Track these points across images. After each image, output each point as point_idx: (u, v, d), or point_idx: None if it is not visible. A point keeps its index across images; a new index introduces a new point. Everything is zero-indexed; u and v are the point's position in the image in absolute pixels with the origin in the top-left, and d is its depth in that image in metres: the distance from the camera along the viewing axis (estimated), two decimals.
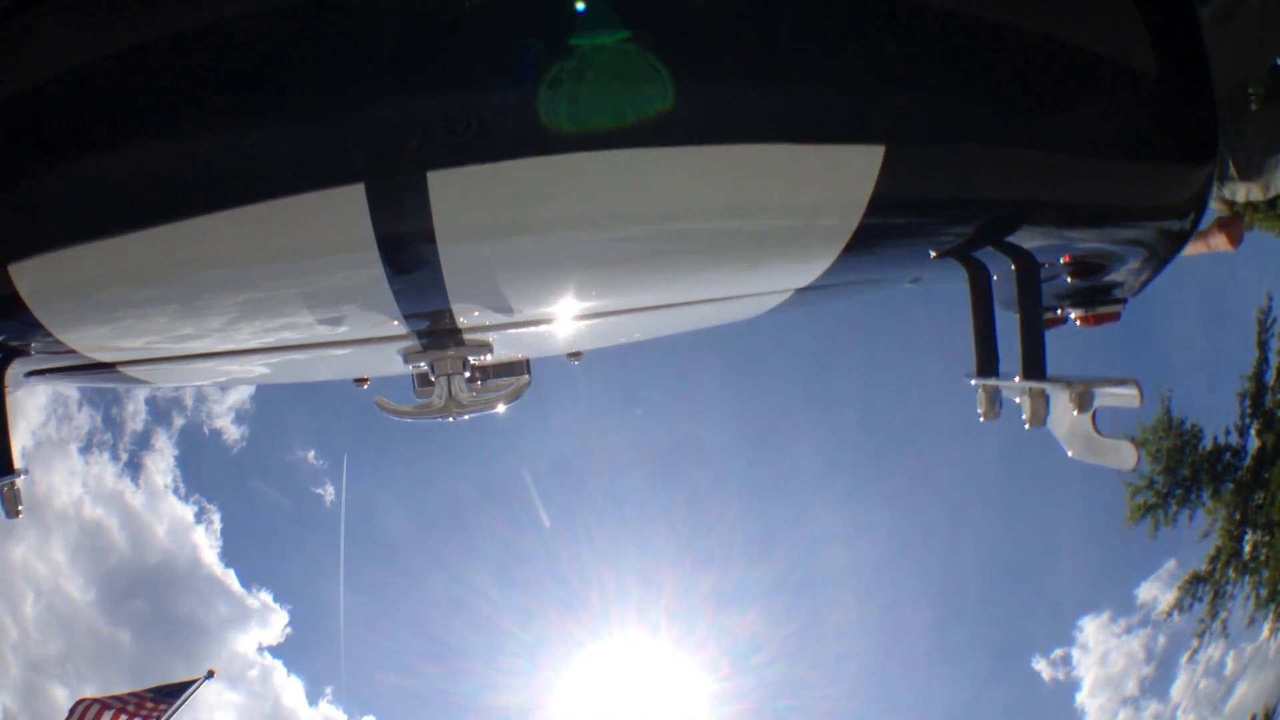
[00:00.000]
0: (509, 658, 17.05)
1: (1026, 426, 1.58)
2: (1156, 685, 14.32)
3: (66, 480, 16.38)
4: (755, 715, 16.96)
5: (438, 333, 1.45)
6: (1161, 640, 13.95)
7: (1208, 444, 11.53)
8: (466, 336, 1.47)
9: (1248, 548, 11.52)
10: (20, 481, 1.62)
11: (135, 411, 16.91)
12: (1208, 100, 1.34)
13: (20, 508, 1.62)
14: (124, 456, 16.82)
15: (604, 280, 1.41)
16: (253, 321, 1.39)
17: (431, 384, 1.54)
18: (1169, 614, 12.68)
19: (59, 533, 16.47)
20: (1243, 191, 2.99)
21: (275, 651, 17.56)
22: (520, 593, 17.55)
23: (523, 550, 18.22)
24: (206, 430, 17.53)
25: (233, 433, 17.68)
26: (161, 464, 17.38)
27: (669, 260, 1.34)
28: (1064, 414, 1.56)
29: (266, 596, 17.63)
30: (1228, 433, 11.53)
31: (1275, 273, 11.05)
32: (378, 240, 1.08)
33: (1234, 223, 3.01)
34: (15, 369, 1.56)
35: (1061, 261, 1.63)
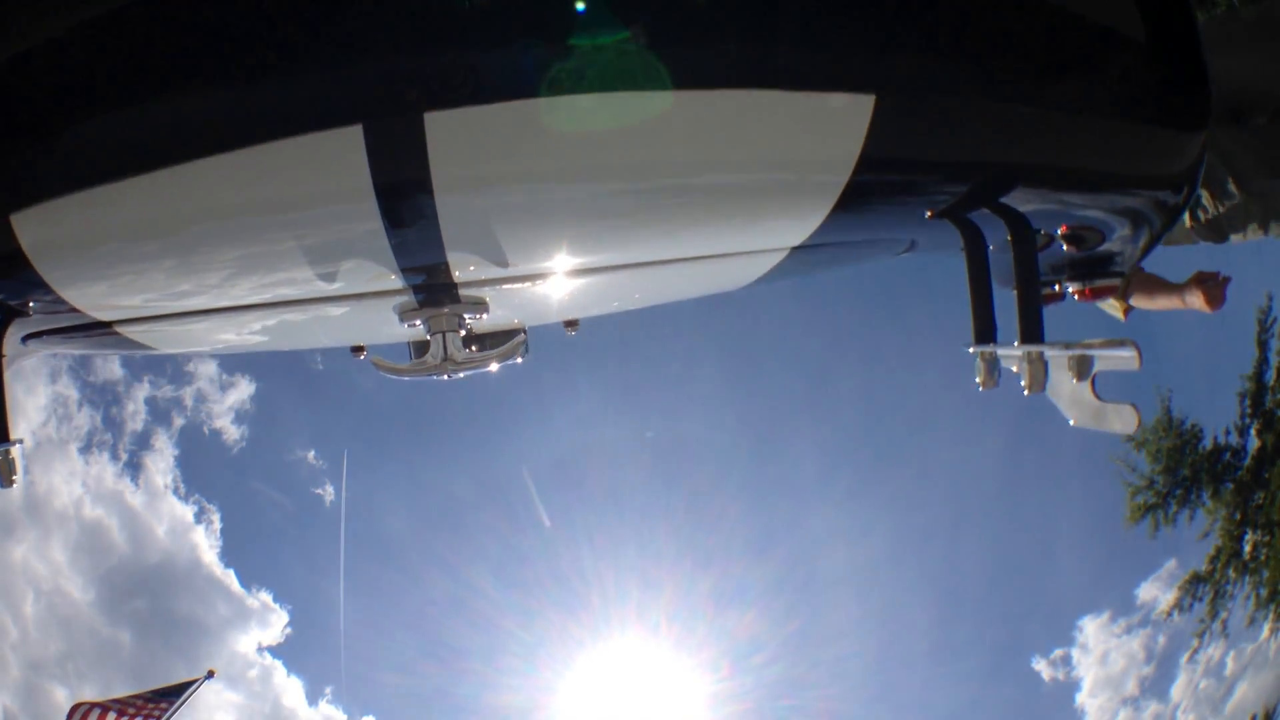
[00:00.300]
0: (509, 658, 17.07)
1: (1025, 393, 1.58)
2: (1156, 685, 14.33)
3: (66, 480, 16.39)
4: (755, 715, 16.99)
5: (434, 287, 1.44)
6: (1161, 640, 13.97)
7: (1208, 444, 11.53)
8: (462, 292, 1.46)
9: (1248, 548, 11.52)
10: (15, 450, 1.61)
11: (135, 411, 16.93)
12: (1199, 66, 1.34)
13: (15, 477, 1.61)
14: (124, 456, 16.83)
15: (597, 230, 1.40)
16: (250, 269, 1.38)
17: (428, 347, 1.54)
18: (1169, 614, 12.69)
19: (59, 533, 16.48)
20: (1248, 230, 2.89)
21: (275, 652, 17.57)
22: (520, 593, 17.56)
23: (523, 550, 18.24)
24: (206, 430, 17.55)
25: (232, 433, 17.70)
26: (161, 464, 17.39)
27: (661, 206, 1.33)
28: (1063, 381, 1.56)
29: (266, 597, 17.65)
30: (1228, 433, 11.55)
31: (1275, 273, 11.07)
32: (374, 184, 1.08)
33: (1214, 281, 2.82)
34: (14, 332, 1.55)
35: (1058, 233, 1.63)
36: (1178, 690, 13.81)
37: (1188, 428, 11.54)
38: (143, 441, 16.99)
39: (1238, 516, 11.48)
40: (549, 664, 16.95)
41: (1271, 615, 11.54)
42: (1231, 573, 11.66)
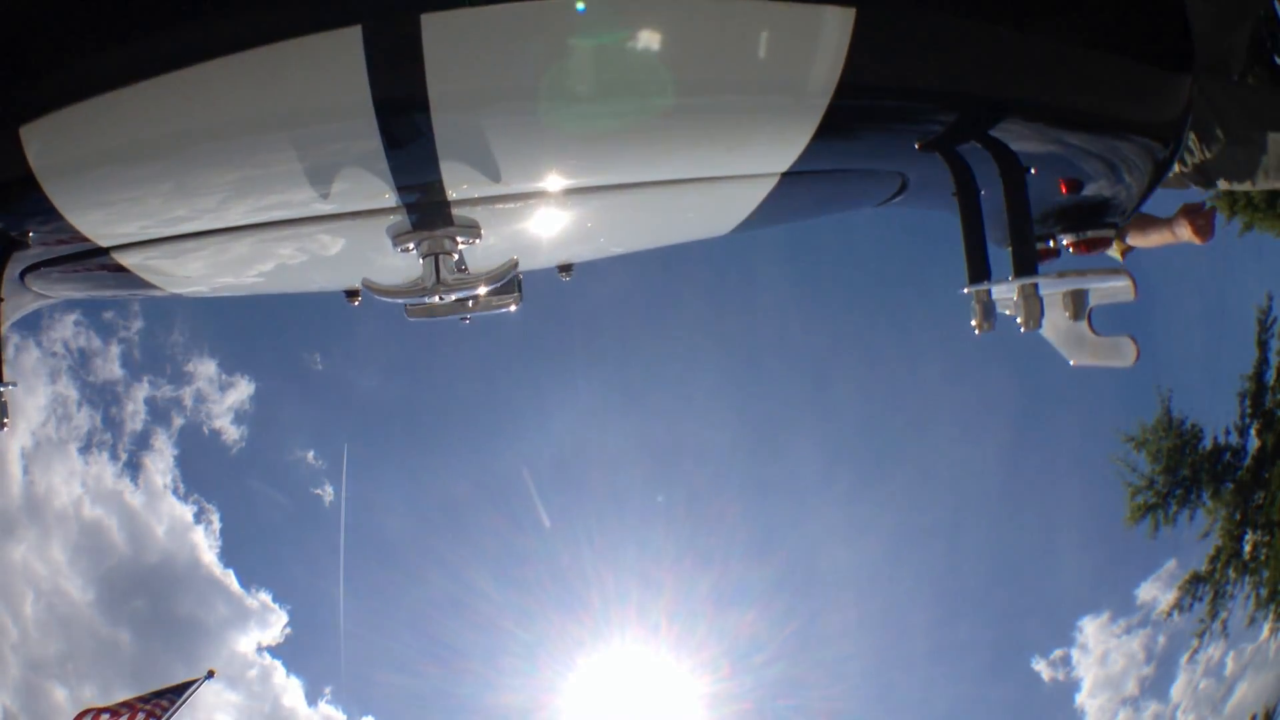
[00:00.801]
0: (509, 658, 17.06)
1: (1021, 330, 1.57)
2: (1156, 685, 14.33)
3: (66, 480, 16.38)
4: (756, 715, 16.98)
5: (427, 207, 1.44)
6: (1161, 640, 13.96)
7: (1208, 444, 11.53)
8: (455, 212, 1.46)
9: (1248, 548, 11.52)
10: (8, 393, 1.61)
11: (134, 411, 16.92)
12: (1180, 9, 1.36)
13: (7, 420, 1.61)
14: (123, 456, 16.82)
15: (588, 146, 1.39)
16: (247, 183, 1.38)
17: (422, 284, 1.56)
18: (1169, 614, 12.69)
19: (58, 533, 16.47)
20: (1235, 178, 2.97)
21: (274, 652, 17.56)
22: (520, 593, 17.56)
23: (523, 550, 18.24)
24: (206, 430, 17.55)
25: (232, 433, 17.70)
26: (161, 464, 17.38)
27: (649, 121, 1.32)
28: (1059, 321, 1.55)
29: (265, 597, 17.64)
30: (1228, 433, 11.54)
31: (1275, 273, 11.06)
32: (370, 88, 1.08)
33: (1200, 211, 2.91)
34: (12, 268, 1.55)
35: (1050, 177, 1.63)
36: (1177, 690, 13.82)
37: (1188, 428, 11.54)
38: (142, 441, 16.99)
39: (1238, 516, 11.48)
40: (549, 664, 16.96)
41: (1271, 615, 11.54)
42: (1231, 573, 11.66)
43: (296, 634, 17.57)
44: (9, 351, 1.71)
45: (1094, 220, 1.71)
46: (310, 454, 18.05)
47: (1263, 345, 11.14)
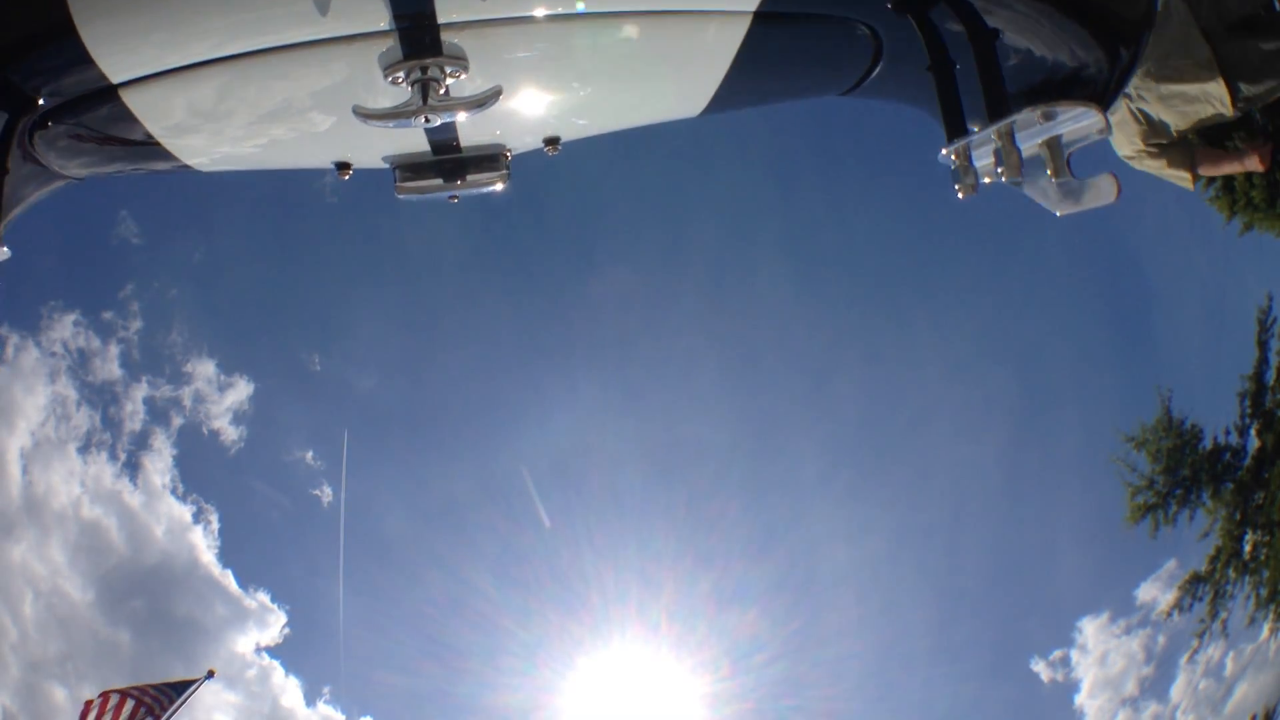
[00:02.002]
0: (508, 658, 17.05)
1: (1004, 179, 1.58)
2: (1156, 686, 14.33)
3: (65, 480, 16.38)
4: (756, 715, 16.99)
5: (417, 32, 1.48)
6: (1161, 640, 13.96)
7: (1208, 444, 11.54)
8: (444, 39, 1.49)
9: (1248, 548, 11.53)
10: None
11: (134, 411, 16.91)
12: None
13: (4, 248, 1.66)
14: (122, 457, 16.80)
15: None
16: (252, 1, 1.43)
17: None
18: (1169, 614, 12.70)
19: (57, 533, 16.47)
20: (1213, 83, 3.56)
21: (273, 652, 17.54)
22: (520, 592, 17.56)
23: (522, 550, 18.24)
24: (205, 430, 17.54)
25: (231, 433, 17.69)
26: (160, 464, 17.36)
27: None
28: (1040, 177, 1.58)
29: (264, 597, 17.62)
30: (1228, 433, 11.55)
31: (1275, 273, 11.07)
32: None
33: (1264, 143, 3.74)
34: (22, 129, 1.59)
35: (1024, 52, 1.65)
36: (1177, 691, 13.82)
37: (1188, 428, 11.55)
38: (141, 442, 16.97)
39: (1238, 516, 11.49)
40: (549, 664, 16.95)
41: (1271, 615, 11.55)
42: (1231, 573, 11.66)
43: (295, 634, 17.56)
44: (12, 221, 1.75)
45: (1069, 91, 1.70)
46: (309, 454, 18.03)
47: (1263, 345, 11.15)
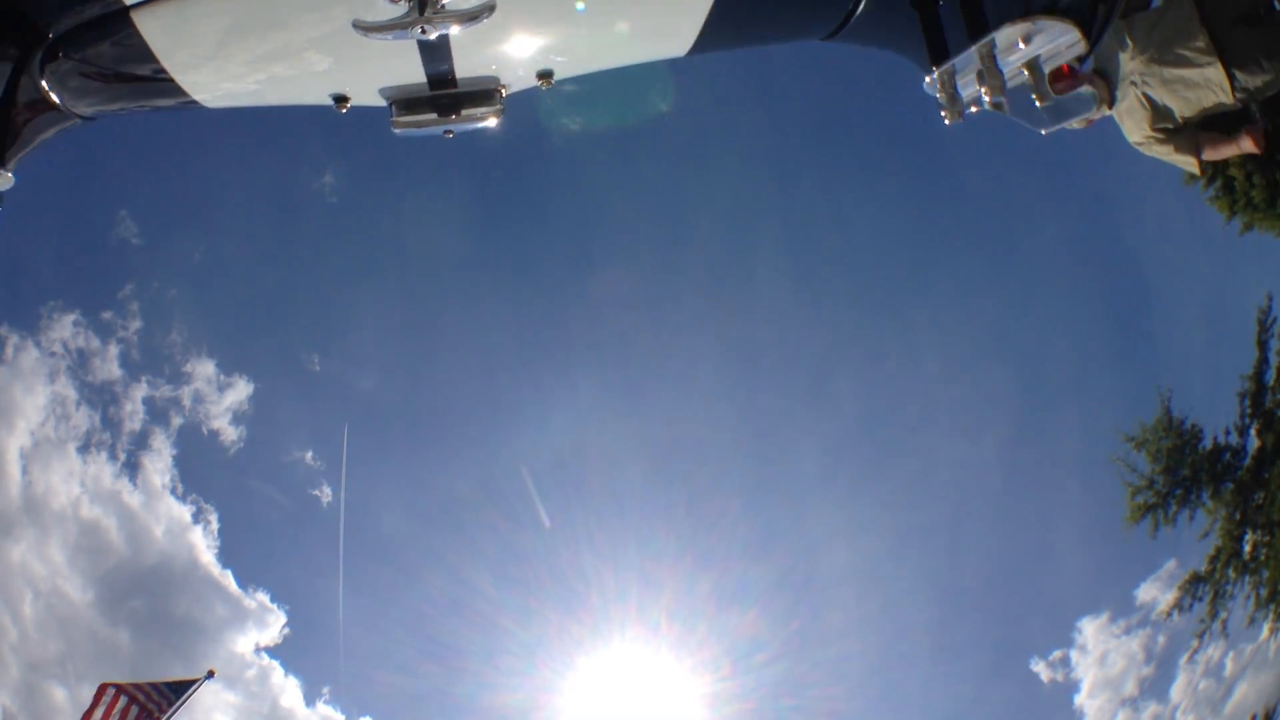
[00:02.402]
0: (508, 658, 17.04)
1: (987, 102, 1.61)
2: (1156, 686, 14.32)
3: (64, 480, 16.38)
4: (757, 715, 16.98)
5: None
6: (1161, 641, 13.95)
7: (1208, 444, 11.53)
8: None
9: (1248, 548, 11.52)
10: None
11: (133, 411, 16.91)
12: None
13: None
14: (122, 456, 16.79)
15: None
16: None
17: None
18: (1169, 614, 12.70)
19: (57, 533, 16.47)
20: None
21: (273, 652, 17.54)
22: (520, 593, 17.56)
23: (522, 550, 18.23)
24: (205, 430, 17.53)
25: (230, 433, 17.68)
26: (159, 464, 17.35)
27: None
28: (1023, 100, 1.60)
29: (264, 597, 17.61)
30: (1228, 433, 11.55)
31: (1275, 273, 11.06)
32: None
33: (1257, 127, 3.93)
34: (36, 51, 1.58)
35: None
36: (1177, 691, 13.82)
37: (1188, 428, 11.55)
38: (141, 441, 16.96)
39: (1238, 516, 11.49)
40: (548, 664, 16.95)
41: (1271, 615, 11.55)
42: (1231, 573, 11.66)
43: (295, 634, 17.55)
44: (24, 159, 1.75)
45: (1053, 7, 1.70)
46: (309, 454, 18.02)
47: (1263, 345, 11.15)
